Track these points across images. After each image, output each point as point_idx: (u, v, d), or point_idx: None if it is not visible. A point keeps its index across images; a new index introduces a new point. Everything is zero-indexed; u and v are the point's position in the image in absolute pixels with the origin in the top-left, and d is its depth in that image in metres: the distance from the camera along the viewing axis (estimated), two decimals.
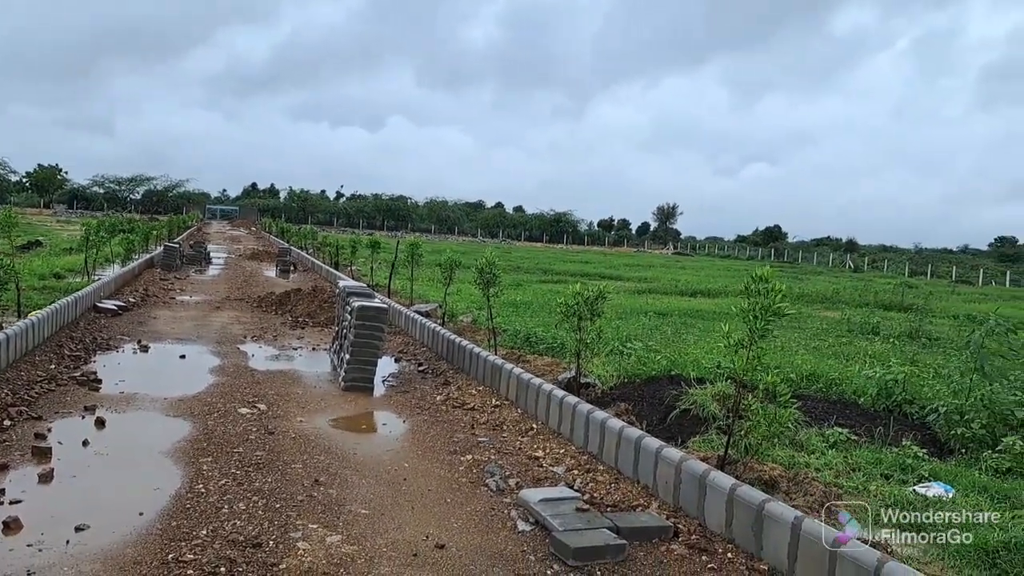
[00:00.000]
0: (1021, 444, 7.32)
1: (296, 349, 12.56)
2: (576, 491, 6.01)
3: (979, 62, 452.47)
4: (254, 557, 4.79)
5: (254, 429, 7.67)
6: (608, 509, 5.71)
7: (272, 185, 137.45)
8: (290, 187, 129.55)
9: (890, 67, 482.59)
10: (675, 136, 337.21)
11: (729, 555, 5.01)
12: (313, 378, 10.39)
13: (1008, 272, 59.23)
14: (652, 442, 6.31)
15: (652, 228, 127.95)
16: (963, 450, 7.81)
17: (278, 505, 5.69)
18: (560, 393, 8.01)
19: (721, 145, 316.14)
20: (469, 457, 7.05)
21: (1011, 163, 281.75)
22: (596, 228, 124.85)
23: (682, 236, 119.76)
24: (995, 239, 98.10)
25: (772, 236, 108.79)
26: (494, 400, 9.12)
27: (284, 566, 4.69)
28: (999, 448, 7.40)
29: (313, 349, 12.60)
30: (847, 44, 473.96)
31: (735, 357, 6.17)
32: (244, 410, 8.37)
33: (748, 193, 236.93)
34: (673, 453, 6.02)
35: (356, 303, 9.92)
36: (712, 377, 9.14)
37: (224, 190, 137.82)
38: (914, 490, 6.22)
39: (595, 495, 5.99)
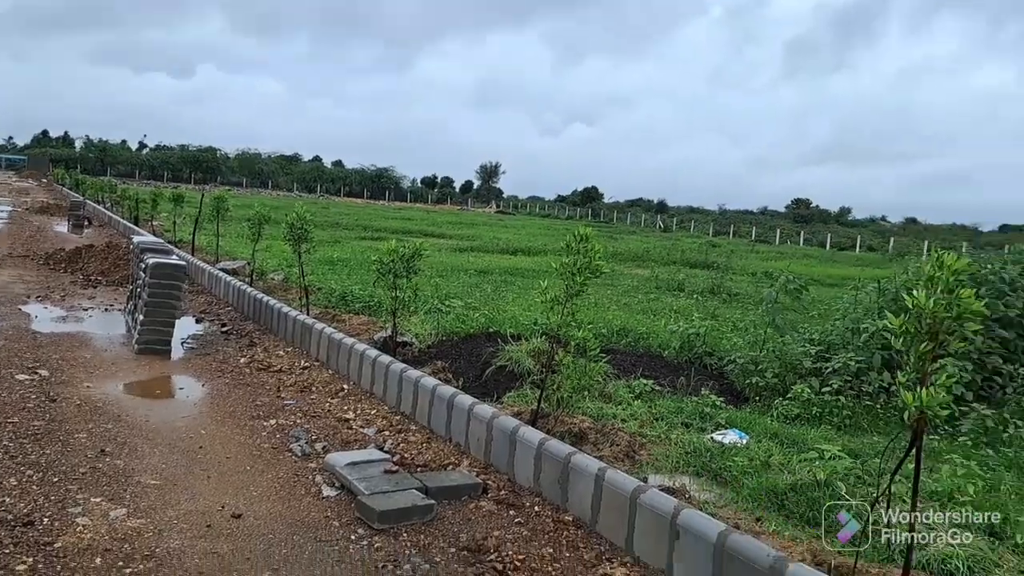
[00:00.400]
0: (808, 391, 7.84)
1: (87, 310, 11.57)
2: (386, 453, 5.85)
3: (785, 35, 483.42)
4: (24, 536, 4.31)
5: (33, 396, 6.96)
6: (419, 469, 5.59)
7: (66, 133, 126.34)
8: (87, 136, 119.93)
9: (703, 35, 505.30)
10: (500, 94, 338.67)
11: (536, 508, 5.02)
12: (104, 341, 9.59)
13: (802, 232, 63.95)
14: (465, 399, 6.24)
15: (476, 186, 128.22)
16: (757, 398, 8.28)
17: (56, 479, 5.17)
18: (373, 352, 7.79)
19: (544, 105, 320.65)
20: (273, 421, 6.71)
21: (808, 131, 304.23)
22: (419, 185, 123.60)
23: (505, 195, 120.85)
24: (792, 201, 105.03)
25: (590, 197, 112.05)
26: (303, 361, 8.76)
27: (60, 544, 4.25)
28: (789, 395, 7.89)
29: (106, 310, 11.66)
30: (664, 9, 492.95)
31: (551, 313, 6.21)
32: (22, 376, 7.59)
33: (569, 153, 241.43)
34: (485, 410, 5.97)
35: (151, 260, 9.21)
36: (529, 333, 9.22)
37: (11, 138, 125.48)
38: (712, 437, 6.50)
39: (406, 456, 5.85)
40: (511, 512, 4.97)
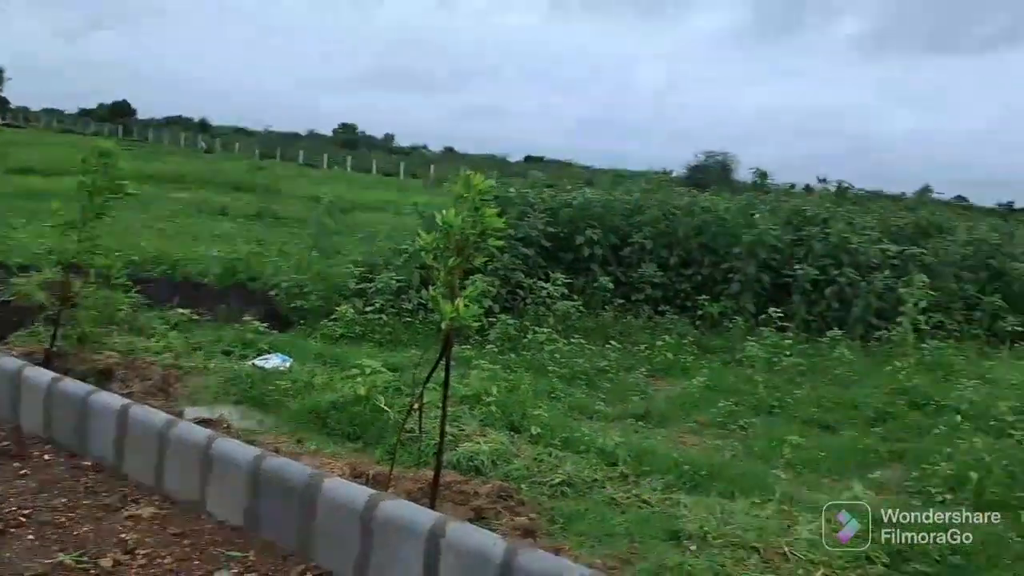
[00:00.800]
0: (352, 312, 8.03)
1: None
2: None
3: None
4: None
5: None
6: None
7: None
8: None
9: None
10: None
11: (47, 457, 4.41)
12: None
13: (349, 158, 64.97)
14: None
15: None
16: (302, 321, 8.29)
17: None
18: None
19: (60, 2, 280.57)
20: None
21: (354, 53, 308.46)
22: None
23: (12, 106, 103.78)
24: (339, 125, 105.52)
25: (120, 111, 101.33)
26: None
27: None
28: (334, 317, 8.02)
29: None
30: None
31: (65, 239, 5.53)
32: None
33: (93, 62, 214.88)
34: None
35: None
36: (42, 264, 8.11)
37: None
38: (254, 363, 6.34)
39: None
40: (14, 464, 4.30)
